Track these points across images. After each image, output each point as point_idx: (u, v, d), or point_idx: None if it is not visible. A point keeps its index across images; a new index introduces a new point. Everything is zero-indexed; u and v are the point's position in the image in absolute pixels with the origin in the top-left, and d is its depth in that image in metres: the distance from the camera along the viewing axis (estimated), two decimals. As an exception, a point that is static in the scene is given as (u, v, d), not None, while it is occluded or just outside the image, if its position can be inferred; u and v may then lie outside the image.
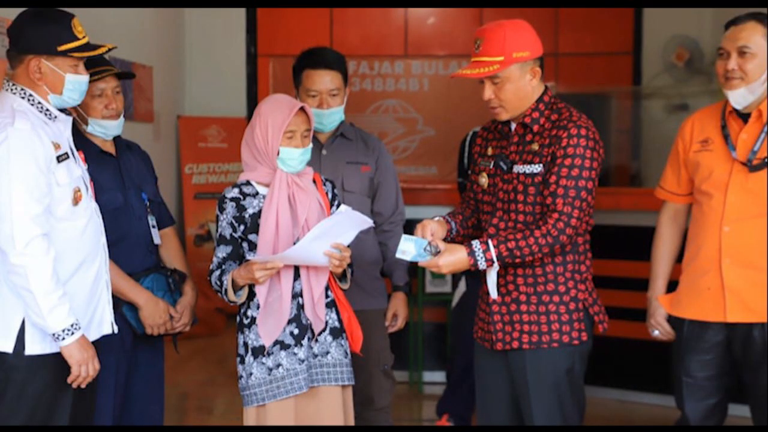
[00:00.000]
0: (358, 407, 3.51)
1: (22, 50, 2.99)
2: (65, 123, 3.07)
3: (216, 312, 7.75)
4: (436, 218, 3.18)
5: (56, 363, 2.94)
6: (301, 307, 3.20)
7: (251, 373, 3.19)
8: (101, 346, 3.10)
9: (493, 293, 3.12)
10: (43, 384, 2.95)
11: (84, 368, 2.95)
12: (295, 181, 3.20)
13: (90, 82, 3.14)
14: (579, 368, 3.13)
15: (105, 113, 3.45)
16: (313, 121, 3.26)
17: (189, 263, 3.75)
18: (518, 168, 3.08)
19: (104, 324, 3.15)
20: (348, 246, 3.14)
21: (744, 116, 3.26)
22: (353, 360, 3.30)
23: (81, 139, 3.37)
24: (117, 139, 3.56)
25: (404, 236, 3.04)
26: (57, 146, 2.96)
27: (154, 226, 3.57)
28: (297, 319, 3.19)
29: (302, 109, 3.21)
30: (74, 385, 2.97)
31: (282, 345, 3.18)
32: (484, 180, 3.21)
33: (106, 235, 3.17)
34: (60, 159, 2.96)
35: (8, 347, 2.93)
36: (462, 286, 5.23)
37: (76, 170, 3.04)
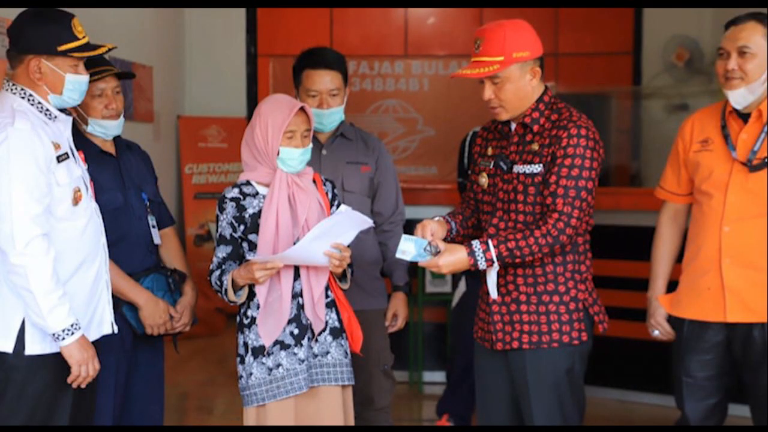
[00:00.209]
0: (358, 407, 3.51)
1: (22, 50, 2.99)
2: (65, 123, 3.07)
3: (216, 312, 7.75)
4: (436, 218, 3.18)
5: (56, 363, 2.94)
6: (301, 307, 3.20)
7: (251, 373, 3.19)
8: (101, 346, 3.10)
9: (493, 293, 3.12)
10: (43, 384, 2.95)
11: (84, 368, 2.95)
12: (295, 181, 3.20)
13: (90, 82, 3.14)
14: (579, 368, 3.13)
15: (105, 113, 3.45)
16: (313, 121, 3.26)
17: (189, 263, 3.75)
18: (518, 168, 3.08)
19: (104, 324, 3.15)
20: (348, 246, 3.14)
21: (744, 116, 3.26)
22: (353, 360, 3.30)
23: (81, 139, 3.37)
24: (117, 139, 3.56)
25: (404, 236, 3.04)
26: (57, 146, 2.96)
27: (154, 226, 3.57)
28: (297, 319, 3.19)
29: (302, 109, 3.21)
30: (74, 385, 2.97)
31: (282, 345, 3.18)
32: (484, 180, 3.21)
33: (106, 235, 3.17)
34: (60, 159, 2.96)
35: (8, 347, 2.93)
36: (462, 286, 5.23)
37: (76, 170, 3.04)
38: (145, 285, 3.47)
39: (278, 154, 3.17)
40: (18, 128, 2.88)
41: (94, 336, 3.07)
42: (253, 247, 3.21)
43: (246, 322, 3.22)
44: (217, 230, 3.26)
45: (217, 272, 3.20)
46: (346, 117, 3.80)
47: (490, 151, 3.22)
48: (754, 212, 3.20)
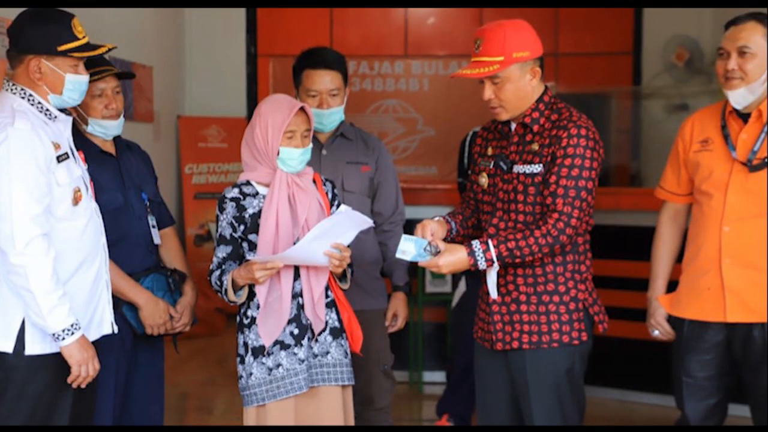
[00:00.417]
0: (358, 407, 3.51)
1: (22, 50, 2.99)
2: (65, 123, 3.07)
3: (216, 312, 7.75)
4: (436, 218, 3.18)
5: (56, 363, 2.94)
6: (301, 307, 3.20)
7: (251, 373, 3.19)
8: (101, 346, 3.09)
9: (493, 293, 3.12)
10: (43, 384, 2.95)
11: (84, 368, 2.95)
12: (295, 181, 3.20)
13: (90, 82, 3.14)
14: (579, 368, 3.13)
15: (105, 113, 3.45)
16: (313, 121, 3.26)
17: (189, 263, 3.75)
18: (518, 168, 3.08)
19: (104, 324, 3.15)
20: (348, 246, 3.14)
21: (744, 116, 3.26)
22: (353, 360, 3.30)
23: (81, 139, 3.37)
24: (117, 139, 3.56)
25: (404, 236, 3.04)
26: (57, 146, 2.96)
27: (154, 226, 3.57)
28: (297, 319, 3.19)
29: (302, 109, 3.21)
30: (74, 385, 2.97)
31: (282, 345, 3.18)
32: (484, 180, 3.21)
33: (106, 235, 3.17)
34: (60, 159, 2.96)
35: (8, 347, 2.93)
36: (462, 286, 5.23)
37: (76, 170, 3.04)
38: (145, 285, 3.47)
39: (278, 154, 3.17)
40: (18, 128, 2.88)
41: (94, 336, 3.07)
42: (253, 247, 3.21)
43: (246, 322, 3.22)
44: (217, 230, 3.26)
45: (217, 272, 3.20)
46: (346, 117, 3.80)
47: (490, 151, 3.22)
48: (754, 212, 3.20)
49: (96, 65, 3.34)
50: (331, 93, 3.66)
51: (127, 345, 3.45)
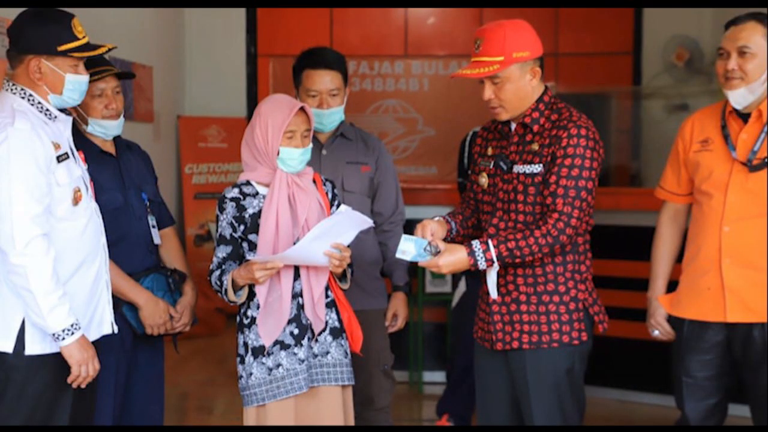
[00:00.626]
0: (358, 407, 3.51)
1: (22, 50, 2.99)
2: (65, 123, 3.07)
3: (216, 312, 7.75)
4: (436, 218, 3.18)
5: (56, 363, 2.94)
6: (301, 307, 3.20)
7: (251, 373, 3.19)
8: (101, 346, 3.10)
9: (493, 293, 3.12)
10: (43, 384, 2.95)
11: (84, 368, 2.95)
12: (295, 181, 3.20)
13: (90, 82, 3.14)
14: (579, 368, 3.13)
15: (105, 113, 3.45)
16: (313, 121, 3.26)
17: (189, 263, 3.75)
18: (518, 168, 3.08)
19: (104, 324, 3.14)
20: (348, 246, 3.14)
21: (744, 116, 3.26)
22: (353, 360, 3.30)
23: (81, 139, 3.36)
24: (117, 139, 3.56)
25: (404, 236, 3.04)
26: (57, 146, 2.96)
27: (154, 226, 3.57)
28: (297, 319, 3.19)
29: (302, 109, 3.21)
30: (74, 385, 2.97)
31: (282, 345, 3.18)
32: (484, 180, 3.21)
33: (106, 235, 3.17)
34: (60, 159, 2.96)
35: (8, 347, 2.92)
36: (462, 286, 5.23)
37: (76, 170, 3.04)
38: (145, 285, 3.47)
39: (278, 154, 3.17)
40: (18, 128, 2.88)
41: (94, 336, 3.07)
42: (253, 247, 3.21)
43: (246, 322, 3.22)
44: (217, 230, 3.26)
45: (217, 272, 3.20)
46: (346, 117, 3.79)
47: (490, 151, 3.22)
48: (754, 212, 3.20)
49: (96, 65, 3.34)
50: (331, 93, 3.66)
51: (127, 345, 3.45)
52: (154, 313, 3.45)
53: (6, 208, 2.84)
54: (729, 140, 3.25)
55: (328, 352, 3.23)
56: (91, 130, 3.46)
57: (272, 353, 3.18)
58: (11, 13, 3.30)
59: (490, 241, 2.99)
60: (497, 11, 8.31)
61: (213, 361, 7.00)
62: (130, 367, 3.47)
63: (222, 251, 3.23)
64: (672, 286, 3.46)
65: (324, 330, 3.23)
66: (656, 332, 3.48)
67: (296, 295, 3.20)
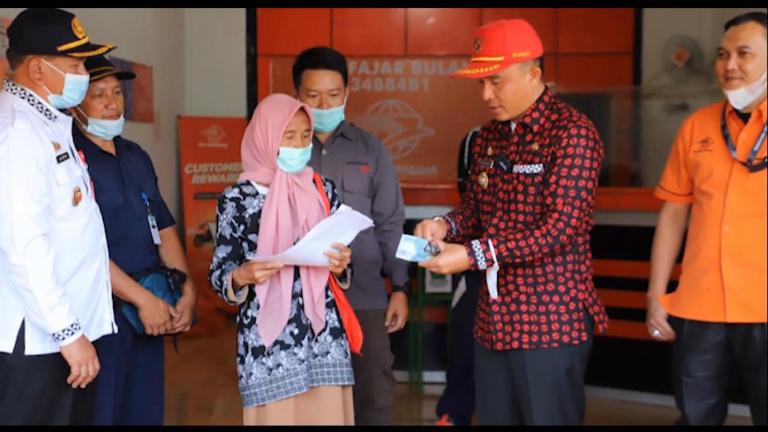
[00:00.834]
0: (358, 407, 3.51)
1: (22, 50, 2.99)
2: (65, 123, 3.07)
3: (216, 312, 7.75)
4: (436, 218, 3.18)
5: (56, 363, 2.94)
6: (301, 307, 3.20)
7: (251, 373, 3.19)
8: (101, 346, 3.10)
9: (493, 293, 3.12)
10: (43, 384, 2.95)
11: (84, 368, 2.95)
12: (295, 181, 3.20)
13: (90, 82, 3.14)
14: (579, 368, 3.13)
15: (105, 113, 3.45)
16: (313, 121, 3.26)
17: (189, 263, 3.75)
18: (518, 168, 3.08)
19: (104, 324, 3.14)
20: (348, 246, 3.14)
21: (744, 116, 3.26)
22: (353, 360, 3.30)
23: (81, 139, 3.36)
24: (117, 139, 3.56)
25: (404, 236, 3.04)
26: (57, 146, 2.96)
27: (154, 226, 3.57)
28: (297, 319, 3.19)
29: (302, 109, 3.21)
30: (74, 385, 2.97)
31: (282, 345, 3.18)
32: (484, 180, 3.21)
33: (106, 235, 3.17)
34: (60, 159, 2.96)
35: (8, 347, 2.92)
36: (462, 286, 5.23)
37: (76, 170, 3.04)
38: (145, 285, 3.47)
39: (278, 154, 3.17)
40: (18, 128, 2.88)
41: (94, 336, 3.07)
42: (253, 247, 3.21)
43: (246, 322, 3.22)
44: (217, 230, 3.26)
45: (217, 272, 3.20)
46: (346, 117, 3.80)
47: (490, 151, 3.22)
48: (754, 212, 3.20)
49: (96, 65, 3.34)
50: (331, 93, 3.66)
51: (127, 345, 3.45)
52: (154, 313, 3.45)
53: (6, 208, 2.84)
54: (729, 140, 3.25)
55: (328, 352, 3.23)
56: (91, 130, 3.46)
57: (272, 353, 3.18)
58: (11, 13, 3.30)
59: (490, 241, 2.99)
60: (497, 11, 8.31)
61: (213, 361, 7.00)
62: (130, 367, 3.47)
63: (222, 251, 3.23)
64: (672, 286, 3.46)
65: (324, 330, 3.23)
66: (656, 332, 3.48)
67: (296, 295, 3.20)
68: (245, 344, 3.21)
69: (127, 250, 3.44)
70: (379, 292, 3.81)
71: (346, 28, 8.87)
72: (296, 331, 3.19)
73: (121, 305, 3.38)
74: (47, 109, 3.00)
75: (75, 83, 3.02)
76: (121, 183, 3.49)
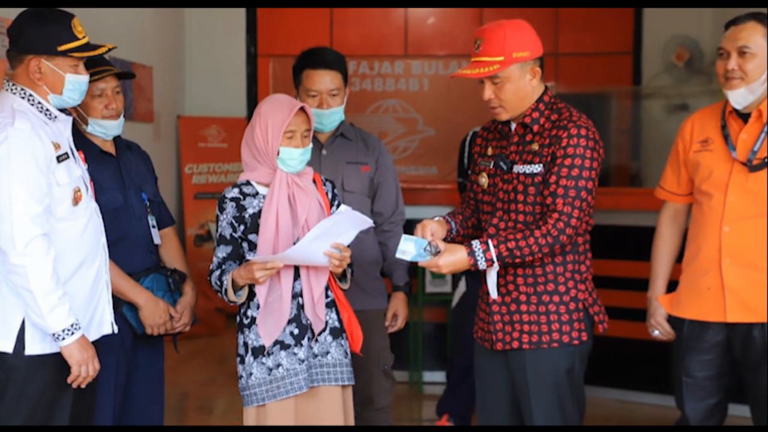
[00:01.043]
0: (358, 407, 3.51)
1: (22, 50, 2.99)
2: (65, 123, 3.07)
3: (216, 312, 7.75)
4: (436, 218, 3.18)
5: (56, 363, 2.94)
6: (301, 307, 3.20)
7: (251, 373, 3.19)
8: (101, 346, 3.10)
9: (493, 293, 3.12)
10: (43, 384, 2.95)
11: (84, 368, 2.95)
12: (295, 181, 3.20)
13: (90, 82, 3.14)
14: (579, 368, 3.13)
15: (105, 113, 3.45)
16: (313, 121, 3.26)
17: (189, 263, 3.75)
18: (518, 168, 3.08)
19: (104, 324, 3.15)
20: (348, 246, 3.14)
21: (744, 116, 3.26)
22: (353, 360, 3.30)
23: (81, 139, 3.36)
24: (117, 139, 3.56)
25: (404, 236, 3.04)
26: (57, 146, 2.96)
27: (154, 226, 3.57)
28: (297, 319, 3.19)
29: (302, 109, 3.21)
30: (74, 385, 2.97)
31: (282, 345, 3.18)
32: (484, 180, 3.21)
33: (106, 235, 3.17)
34: (60, 159, 2.96)
35: (8, 347, 2.92)
36: (462, 286, 5.23)
37: (76, 170, 3.04)
38: (145, 285, 3.47)
39: (278, 154, 3.17)
40: (18, 128, 2.88)
41: (94, 336, 3.07)
42: (253, 247, 3.21)
43: (246, 322, 3.22)
44: (217, 230, 3.26)
45: (217, 272, 3.20)
46: (346, 117, 3.80)
47: (490, 151, 3.22)
48: (754, 212, 3.20)
49: (96, 65, 3.34)
50: (331, 93, 3.66)
51: (127, 345, 3.45)
52: (154, 313, 3.45)
53: (6, 208, 2.84)
54: (729, 140, 3.25)
55: (328, 352, 3.23)
56: (91, 130, 3.46)
57: (272, 353, 3.18)
58: (11, 13, 3.30)
59: (490, 241, 2.99)
60: (497, 11, 8.31)
61: (213, 361, 7.00)
62: (130, 367, 3.47)
63: (222, 251, 3.23)
64: (672, 286, 3.46)
65: (324, 330, 3.23)
66: (656, 332, 3.48)
67: (296, 295, 3.20)
68: (245, 344, 3.21)
69: (127, 250, 3.44)
70: (379, 292, 3.81)
71: (346, 28, 8.87)
72: (296, 331, 3.19)
73: (121, 305, 3.38)
74: (47, 109, 3.00)
75: (75, 83, 3.02)
76: (121, 183, 3.49)
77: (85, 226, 3.04)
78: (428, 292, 6.13)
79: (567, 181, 2.99)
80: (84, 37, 3.03)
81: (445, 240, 3.12)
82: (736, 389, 3.37)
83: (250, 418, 3.22)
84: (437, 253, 3.00)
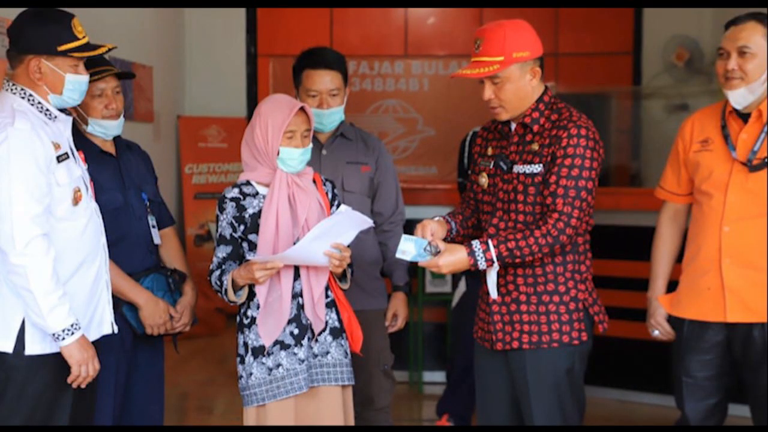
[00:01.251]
0: (358, 407, 3.51)
1: (22, 50, 2.99)
2: (65, 123, 3.07)
3: (216, 312, 7.75)
4: (436, 218, 3.18)
5: (56, 363, 2.94)
6: (301, 307, 3.20)
7: (251, 373, 3.19)
8: (101, 346, 3.10)
9: (493, 293, 3.12)
10: (43, 384, 2.95)
11: (84, 368, 2.95)
12: (295, 181, 3.20)
13: (90, 82, 3.14)
14: (579, 368, 3.13)
15: (105, 113, 3.45)
16: (313, 121, 3.26)
17: (189, 263, 3.75)
18: (518, 168, 3.08)
19: (104, 324, 3.15)
20: (348, 246, 3.14)
21: (744, 116, 3.26)
22: (353, 360, 3.30)
23: (81, 139, 3.37)
24: (117, 139, 3.56)
25: (404, 236, 3.04)
26: (57, 146, 2.96)
27: (154, 226, 3.57)
28: (297, 319, 3.19)
29: (302, 109, 3.21)
30: (74, 385, 2.97)
31: (282, 345, 3.18)
32: (484, 180, 3.21)
33: (106, 235, 3.17)
34: (60, 159, 2.96)
35: (8, 347, 2.92)
36: (462, 286, 5.23)
37: (76, 170, 3.04)
38: (145, 285, 3.47)
39: (278, 154, 3.17)
40: (18, 128, 2.88)
41: (94, 336, 3.07)
42: (253, 247, 3.21)
43: (246, 322, 3.22)
44: (217, 230, 3.26)
45: (217, 272, 3.20)
46: (346, 117, 3.80)
47: (490, 151, 3.22)
48: (754, 212, 3.20)
49: (96, 65, 3.34)
50: (331, 93, 3.66)
51: (127, 345, 3.45)
52: (154, 313, 3.45)
53: (6, 208, 2.84)
54: (729, 140, 3.25)
55: (328, 352, 3.23)
56: (91, 130, 3.46)
57: (272, 353, 3.18)
58: (11, 13, 3.30)
59: (490, 241, 2.99)
60: (497, 11, 8.31)
61: (213, 361, 7.00)
62: (130, 367, 3.47)
63: (222, 251, 3.23)
64: (672, 286, 3.46)
65: (324, 330, 3.23)
66: (656, 332, 3.48)
67: (296, 295, 3.20)
68: (245, 344, 3.21)
69: (127, 250, 3.44)
70: (379, 292, 3.81)
71: (346, 28, 8.87)
72: (296, 331, 3.19)
73: (121, 305, 3.38)
74: (47, 109, 3.00)
75: (75, 83, 3.02)
76: (121, 183, 3.49)
77: (85, 226, 3.04)
78: (428, 292, 6.13)
79: (567, 181, 2.99)
80: (84, 37, 3.03)
81: (445, 240, 3.12)
82: (736, 389, 3.37)
83: (250, 418, 3.22)
84: (437, 253, 3.00)
